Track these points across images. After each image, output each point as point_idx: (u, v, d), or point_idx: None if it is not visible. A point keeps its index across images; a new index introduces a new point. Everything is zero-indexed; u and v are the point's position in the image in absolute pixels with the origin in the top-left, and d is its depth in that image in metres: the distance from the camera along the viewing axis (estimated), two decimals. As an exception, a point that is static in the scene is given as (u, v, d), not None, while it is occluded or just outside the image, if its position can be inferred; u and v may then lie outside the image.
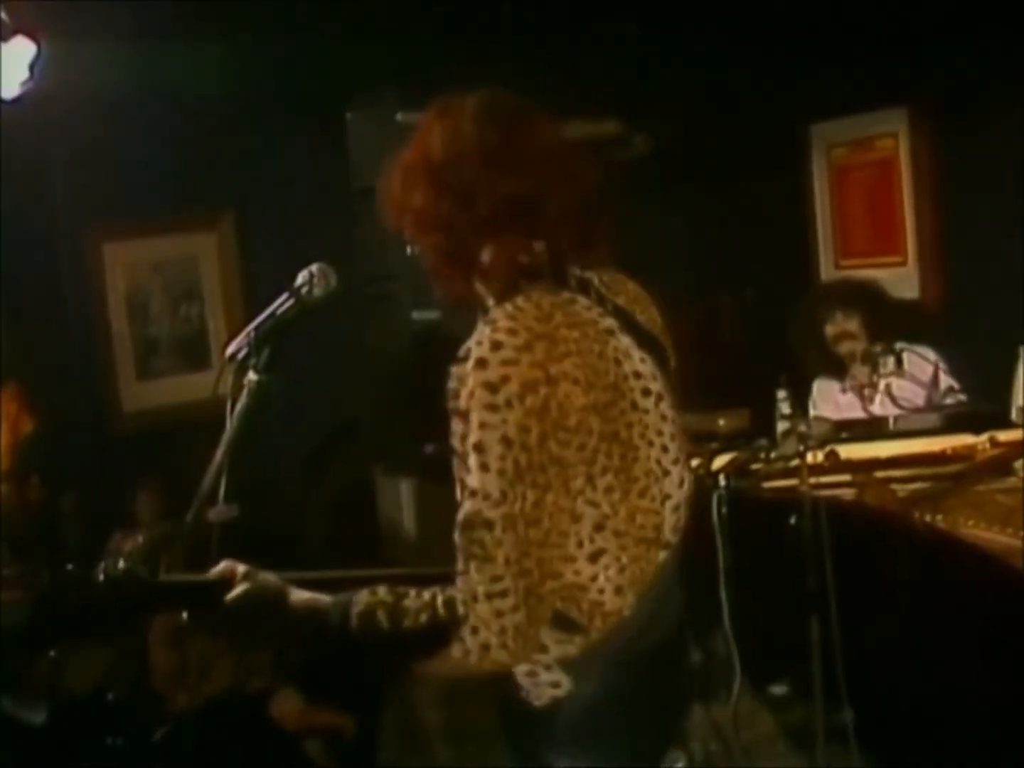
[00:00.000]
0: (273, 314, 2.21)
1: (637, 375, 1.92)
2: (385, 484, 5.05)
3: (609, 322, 1.93)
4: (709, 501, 3.35)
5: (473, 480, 1.77)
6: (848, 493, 3.51)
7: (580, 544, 1.86)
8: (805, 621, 3.20)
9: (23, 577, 4.36)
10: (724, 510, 3.35)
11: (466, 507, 1.78)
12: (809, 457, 3.39)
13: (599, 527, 1.86)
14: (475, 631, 1.77)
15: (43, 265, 5.04)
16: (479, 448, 1.76)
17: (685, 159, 5.58)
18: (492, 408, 1.76)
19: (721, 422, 4.06)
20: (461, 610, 1.77)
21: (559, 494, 1.81)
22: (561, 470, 1.80)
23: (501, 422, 1.75)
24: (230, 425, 2.16)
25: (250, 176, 5.38)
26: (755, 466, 3.56)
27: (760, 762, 3.87)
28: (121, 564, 1.94)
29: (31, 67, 4.40)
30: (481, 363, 1.78)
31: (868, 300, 4.40)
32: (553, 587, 1.84)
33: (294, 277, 2.25)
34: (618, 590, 1.90)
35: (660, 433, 1.94)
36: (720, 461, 3.60)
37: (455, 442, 1.82)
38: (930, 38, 4.74)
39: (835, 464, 3.58)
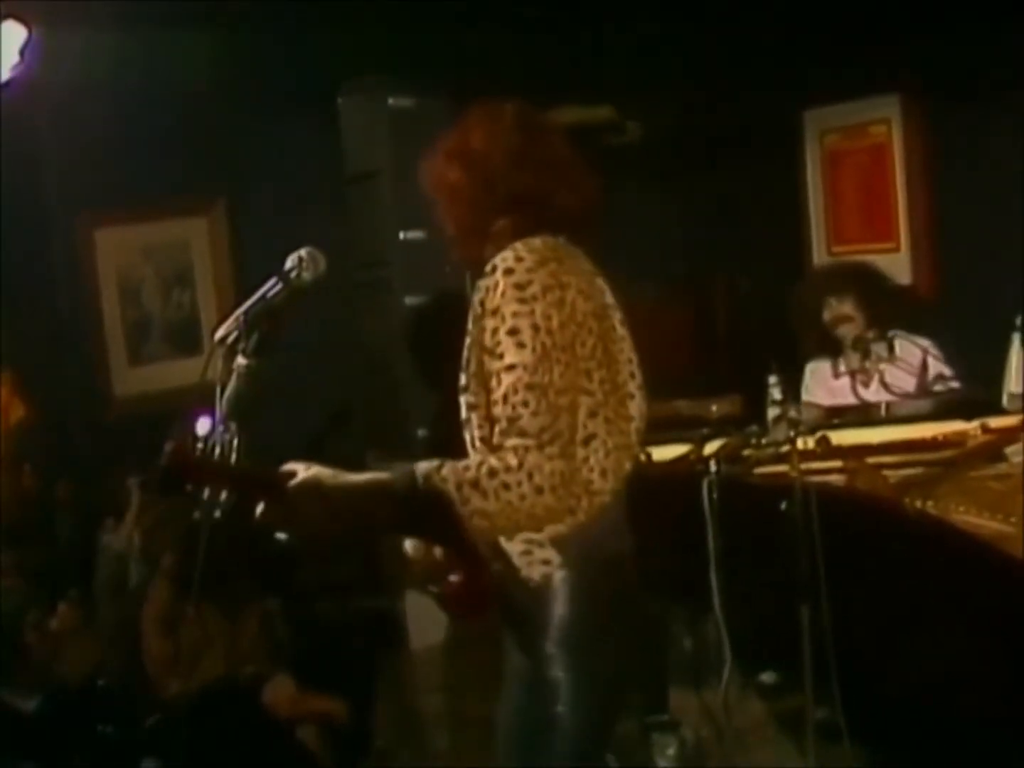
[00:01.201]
0: (262, 298, 2.22)
1: (615, 307, 2.33)
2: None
3: (591, 265, 2.34)
4: (699, 487, 3.35)
5: (510, 357, 2.10)
6: (839, 479, 3.51)
7: (575, 429, 2.17)
8: (795, 607, 3.20)
9: (16, 564, 4.36)
10: (715, 496, 3.35)
11: (507, 380, 2.10)
12: (800, 443, 3.38)
13: (592, 414, 2.20)
14: (531, 476, 2.04)
15: (34, 251, 5.02)
16: (514, 331, 2.11)
17: (678, 146, 5.58)
18: (522, 301, 2.12)
19: (713, 408, 4.07)
20: (514, 460, 2.05)
21: (573, 374, 2.16)
22: (573, 356, 2.16)
23: (530, 312, 2.12)
24: (219, 409, 2.16)
25: (241, 162, 5.37)
26: (746, 452, 3.55)
27: (751, 748, 3.88)
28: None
29: (22, 51, 4.38)
30: (509, 271, 2.15)
31: (864, 282, 4.37)
32: (584, 454, 2.18)
33: (285, 262, 2.25)
34: (603, 473, 2.22)
35: (630, 361, 2.32)
36: (711, 447, 3.59)
37: (486, 340, 2.13)
38: (923, 25, 4.73)
39: (826, 450, 3.57)
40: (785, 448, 3.39)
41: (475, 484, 2.05)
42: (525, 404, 2.07)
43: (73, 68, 4.68)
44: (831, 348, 4.39)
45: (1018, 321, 3.83)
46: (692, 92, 5.52)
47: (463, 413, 2.23)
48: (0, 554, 4.28)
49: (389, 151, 4.70)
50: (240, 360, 2.19)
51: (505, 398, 2.09)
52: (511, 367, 2.09)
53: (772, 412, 3.71)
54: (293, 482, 2.11)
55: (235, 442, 2.13)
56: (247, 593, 4.26)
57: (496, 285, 2.14)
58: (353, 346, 5.10)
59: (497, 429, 2.10)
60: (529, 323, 2.11)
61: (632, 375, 2.31)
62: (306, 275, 2.24)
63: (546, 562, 2.19)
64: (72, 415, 5.02)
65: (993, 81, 4.70)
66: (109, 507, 4.59)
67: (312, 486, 2.11)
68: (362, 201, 4.70)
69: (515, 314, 2.11)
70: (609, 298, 2.33)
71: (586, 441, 2.20)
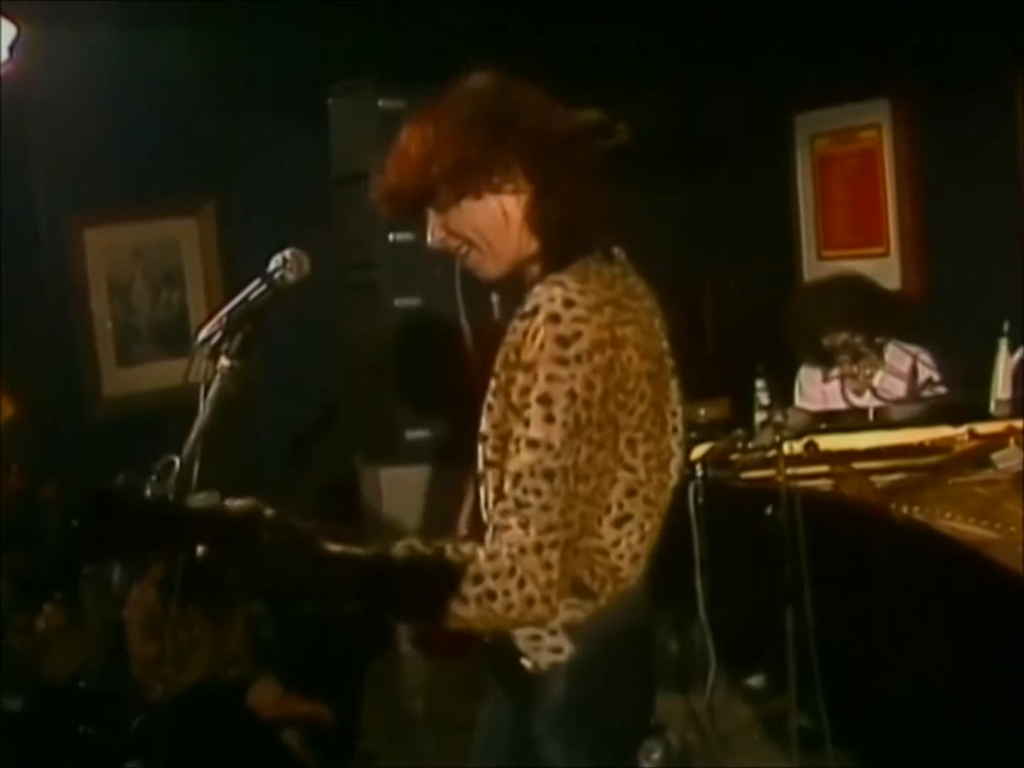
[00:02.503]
0: (246, 299, 2.19)
1: (670, 354, 2.01)
2: (366, 473, 5.04)
3: (652, 301, 2.00)
4: (686, 491, 3.35)
5: (536, 431, 1.80)
6: (826, 484, 3.51)
7: (608, 508, 1.90)
8: (780, 612, 3.20)
9: (2, 564, 4.34)
10: (700, 500, 3.35)
11: (524, 458, 1.81)
12: (787, 448, 3.39)
13: (631, 492, 1.91)
14: (522, 584, 1.80)
15: (23, 251, 5.00)
16: (545, 400, 1.80)
17: (667, 149, 5.57)
18: (562, 362, 1.80)
19: (701, 412, 4.06)
20: (507, 563, 1.80)
21: (608, 453, 1.86)
22: (613, 431, 1.86)
23: (570, 376, 1.80)
24: (203, 411, 2.15)
25: (231, 162, 5.36)
26: (733, 456, 3.55)
27: (736, 752, 3.88)
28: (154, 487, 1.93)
29: (10, 49, 4.38)
30: (554, 318, 1.81)
31: (864, 306, 4.29)
32: (587, 545, 1.89)
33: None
34: (635, 558, 1.94)
35: (675, 414, 2.00)
36: (699, 451, 3.59)
37: (514, 396, 1.84)
38: (913, 29, 4.74)
39: (813, 455, 3.58)
40: (772, 453, 3.39)
41: (455, 587, 1.83)
42: (538, 493, 1.80)
43: (63, 66, 4.68)
44: (822, 358, 4.37)
45: (1005, 326, 3.84)
46: (682, 95, 5.52)
47: (479, 465, 1.94)
48: (-15, 555, 4.27)
49: (379, 153, 4.68)
50: (223, 361, 2.17)
51: (518, 478, 1.81)
52: (534, 443, 1.80)
53: (759, 417, 3.71)
54: (263, 537, 1.86)
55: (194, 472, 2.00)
56: (232, 595, 4.26)
57: (536, 333, 1.81)
58: (342, 348, 5.09)
59: (501, 505, 1.83)
60: (566, 391, 1.79)
61: (676, 430, 2.00)
62: (290, 276, 2.21)
63: (556, 650, 1.94)
64: (60, 415, 5.00)
65: (983, 87, 4.70)
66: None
67: (279, 546, 1.87)
68: (352, 202, 4.67)
69: (551, 377, 1.79)
70: (666, 343, 2.00)
71: (619, 523, 1.91)
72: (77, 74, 4.72)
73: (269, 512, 1.91)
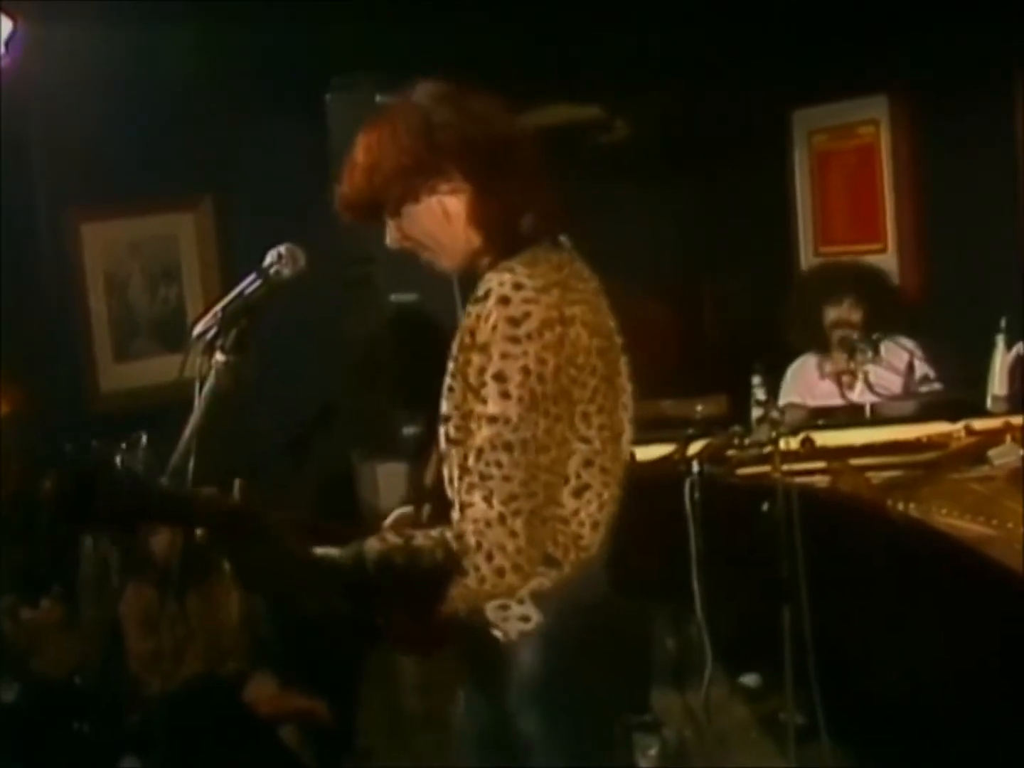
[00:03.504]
0: (241, 294, 2.20)
1: (619, 332, 2.12)
2: (363, 469, 5.03)
3: (598, 283, 2.12)
4: (682, 487, 3.35)
5: (493, 407, 1.91)
6: (822, 480, 3.51)
7: (567, 479, 2.01)
8: (777, 608, 3.20)
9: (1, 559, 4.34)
10: (697, 496, 3.35)
11: (484, 432, 1.92)
12: (784, 444, 3.38)
13: (588, 463, 2.02)
14: (490, 557, 1.90)
15: (20, 246, 5.00)
16: (500, 377, 1.91)
17: (666, 145, 5.57)
18: (514, 340, 1.91)
19: (699, 408, 4.06)
20: (473, 540, 1.91)
21: (565, 425, 1.97)
22: (568, 404, 1.97)
23: (522, 353, 1.91)
24: (197, 406, 2.15)
25: (229, 158, 5.35)
26: (729, 452, 3.55)
27: (733, 749, 3.88)
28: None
29: (7, 44, 4.37)
30: (504, 300, 1.93)
31: (868, 286, 4.35)
32: (553, 513, 1.99)
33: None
34: (594, 525, 2.05)
35: (625, 390, 2.13)
36: (695, 447, 3.59)
37: (471, 377, 1.95)
38: (911, 26, 4.73)
39: (810, 451, 3.58)
40: (768, 449, 3.39)
41: (430, 572, 1.93)
42: (499, 465, 1.90)
43: (60, 62, 4.66)
44: (822, 346, 4.38)
45: (1003, 323, 3.84)
46: (680, 91, 5.51)
47: (442, 445, 2.05)
48: (-18, 551, 4.27)
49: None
50: (218, 356, 2.16)
51: (480, 452, 1.92)
52: (492, 419, 1.91)
53: (756, 413, 3.71)
54: (243, 533, 1.95)
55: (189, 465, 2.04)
56: (229, 589, 4.26)
57: (488, 316, 1.93)
58: (338, 343, 5.09)
59: (467, 479, 1.94)
60: (519, 367, 1.90)
61: (625, 407, 2.12)
62: (285, 271, 2.21)
63: (524, 619, 2.04)
64: (58, 410, 5.00)
65: (981, 83, 4.69)
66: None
67: (259, 544, 1.96)
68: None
69: (504, 355, 1.91)
70: (614, 323, 2.12)
71: (578, 492, 2.02)
72: (75, 70, 4.71)
73: (256, 509, 1.98)
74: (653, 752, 3.91)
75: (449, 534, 1.95)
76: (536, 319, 1.92)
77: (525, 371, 1.91)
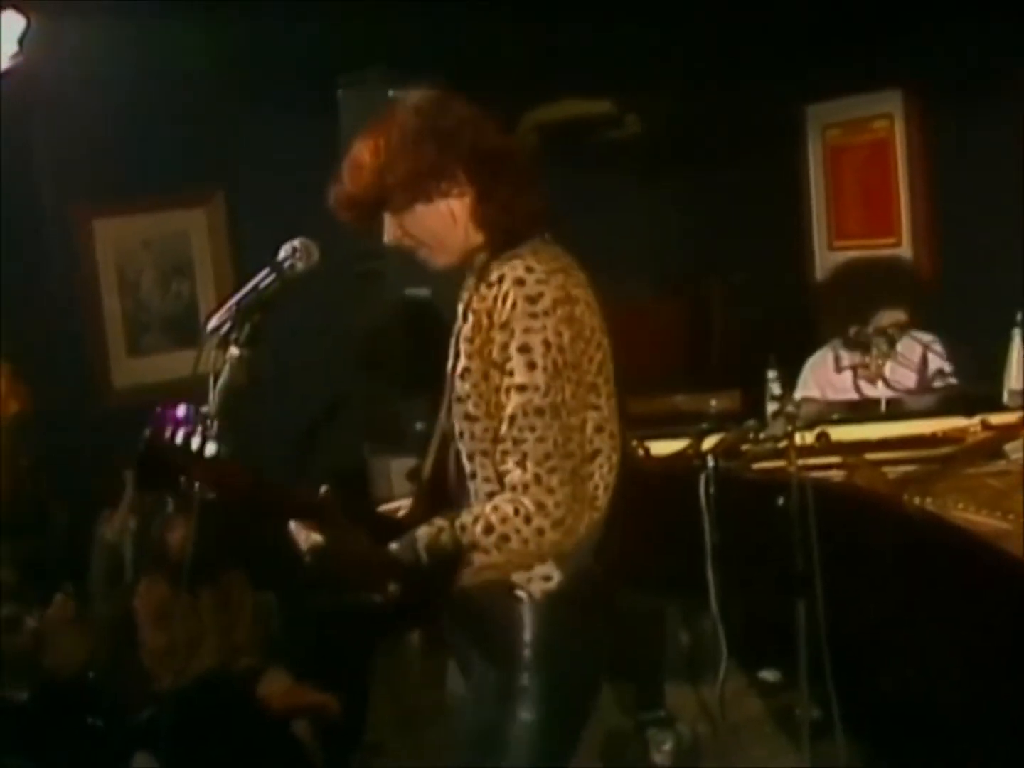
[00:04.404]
0: (255, 288, 2.20)
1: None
2: (376, 463, 5.03)
3: (585, 275, 2.25)
4: (697, 481, 3.34)
5: (520, 377, 2.07)
6: (838, 475, 3.49)
7: (584, 447, 2.15)
8: (791, 603, 3.18)
9: (10, 556, 4.35)
10: (712, 491, 3.34)
11: (515, 400, 2.06)
12: (799, 438, 3.37)
13: (599, 429, 2.17)
14: (528, 520, 2.04)
15: (33, 241, 5.01)
16: (525, 348, 2.06)
17: (678, 139, 5.56)
18: (533, 316, 2.07)
19: (712, 403, 4.05)
20: (510, 507, 2.05)
21: (584, 392, 2.13)
22: (582, 374, 2.13)
23: (541, 327, 2.07)
24: (212, 400, 2.14)
25: (241, 153, 5.36)
26: (744, 447, 3.53)
27: (747, 744, 3.88)
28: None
29: (20, 41, 4.37)
30: (520, 281, 2.09)
31: (914, 290, 4.30)
32: (587, 472, 2.14)
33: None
34: (606, 488, 2.20)
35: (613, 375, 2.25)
36: (710, 442, 3.58)
37: (495, 353, 2.09)
38: (925, 20, 4.72)
39: (825, 446, 3.56)
40: (783, 443, 3.37)
41: (475, 545, 2.05)
42: (532, 428, 2.05)
43: (72, 58, 4.66)
44: (847, 345, 4.33)
45: (1019, 317, 3.82)
46: (692, 86, 5.50)
47: (458, 425, 2.18)
48: (-3, 546, 4.28)
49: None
50: (233, 350, 2.17)
51: (512, 419, 2.07)
52: (521, 387, 2.06)
53: (771, 407, 3.69)
54: (312, 543, 2.11)
55: (213, 430, 2.07)
56: (242, 585, 4.26)
57: (505, 297, 2.09)
58: (350, 337, 5.09)
59: (501, 447, 2.09)
60: (541, 339, 2.06)
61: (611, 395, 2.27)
62: (299, 265, 2.23)
63: (546, 578, 2.16)
64: (70, 406, 5.01)
65: (994, 76, 4.68)
66: (105, 499, 4.57)
67: (330, 552, 2.09)
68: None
69: (527, 330, 2.06)
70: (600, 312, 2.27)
71: (592, 457, 2.17)
72: (87, 66, 4.72)
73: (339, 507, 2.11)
74: (668, 747, 3.91)
75: (489, 507, 2.07)
76: (549, 297, 2.08)
77: (546, 343, 2.06)
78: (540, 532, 2.04)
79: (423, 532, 2.08)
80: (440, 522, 2.09)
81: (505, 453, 2.08)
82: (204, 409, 2.10)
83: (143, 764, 3.75)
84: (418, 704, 4.52)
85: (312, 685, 4.13)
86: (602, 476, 2.19)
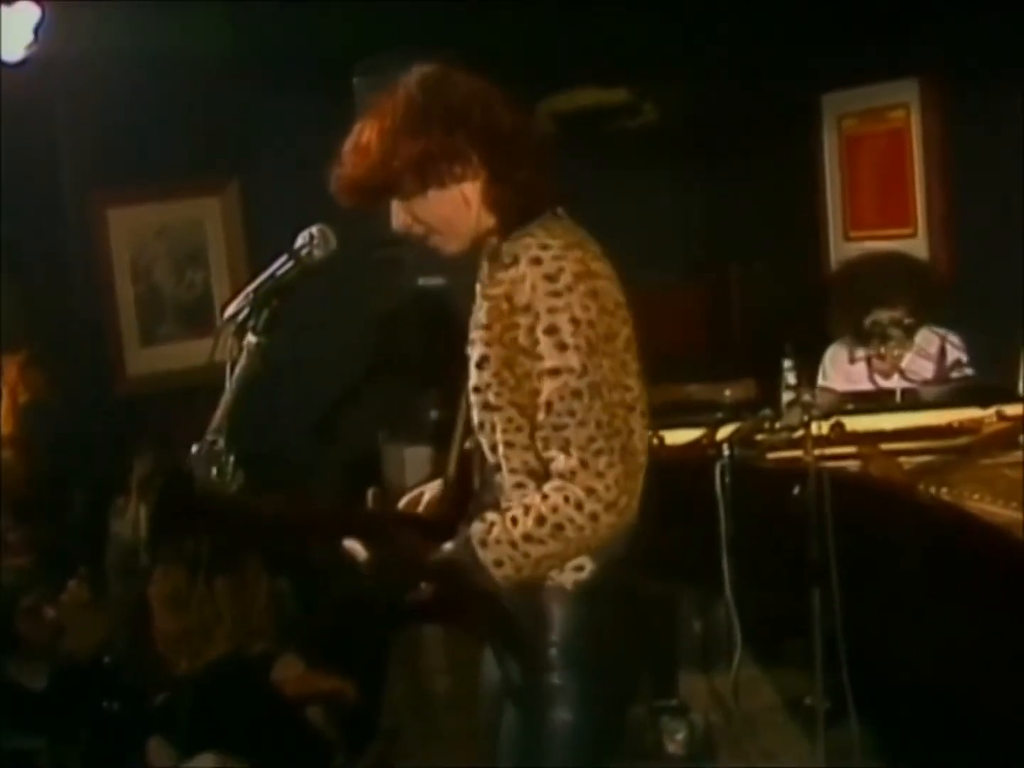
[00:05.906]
0: (272, 275, 2.20)
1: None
2: (390, 451, 5.04)
3: (600, 248, 2.13)
4: (712, 471, 3.34)
5: (551, 360, 1.95)
6: (854, 465, 3.49)
7: (626, 420, 2.04)
8: (807, 592, 3.18)
9: (26, 541, 4.38)
10: (727, 480, 3.33)
11: (549, 386, 1.96)
12: (815, 428, 3.36)
13: (631, 408, 2.06)
14: (579, 506, 1.95)
15: (47, 230, 5.02)
16: (552, 330, 1.95)
17: (694, 128, 5.54)
18: (555, 294, 1.95)
19: (727, 392, 4.04)
20: (559, 497, 1.95)
21: (618, 368, 2.02)
22: (614, 349, 2.01)
23: (566, 305, 1.95)
24: (229, 387, 2.14)
25: (255, 141, 5.36)
26: (760, 436, 3.53)
27: (761, 732, 3.88)
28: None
29: (35, 30, 4.38)
30: (536, 260, 1.98)
31: (928, 295, 4.26)
32: (636, 447, 2.04)
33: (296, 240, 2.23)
34: (641, 469, 2.08)
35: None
36: (725, 431, 3.58)
37: (520, 339, 1.98)
38: (943, 9, 4.69)
39: (840, 436, 3.55)
40: (799, 433, 3.37)
41: (528, 537, 1.97)
42: (571, 413, 1.95)
43: (86, 48, 4.67)
44: (858, 334, 4.32)
45: (1035, 307, 3.81)
46: (709, 74, 5.48)
47: (477, 416, 2.08)
48: (10, 532, 4.30)
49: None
50: (250, 338, 2.16)
51: (549, 406, 1.96)
52: (554, 371, 1.95)
53: (786, 396, 3.69)
54: (370, 559, 2.10)
55: (230, 459, 2.05)
56: (257, 570, 4.28)
57: (523, 278, 1.97)
58: (366, 326, 5.09)
59: (540, 435, 1.99)
60: (568, 318, 1.94)
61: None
62: (317, 252, 2.21)
63: (579, 568, 2.06)
64: (85, 394, 5.02)
65: (1012, 67, 4.65)
66: (120, 486, 4.59)
67: (392, 564, 2.10)
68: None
69: (551, 310, 1.95)
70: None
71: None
72: (102, 55, 4.72)
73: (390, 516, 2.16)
74: (681, 736, 3.91)
75: (538, 496, 1.98)
76: (569, 273, 1.97)
77: (574, 321, 1.95)
78: (594, 517, 1.94)
79: (476, 529, 2.01)
80: (492, 516, 2.02)
81: (546, 440, 1.98)
82: (209, 437, 2.06)
83: (158, 747, 3.76)
84: (434, 689, 4.53)
85: (328, 670, 4.14)
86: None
